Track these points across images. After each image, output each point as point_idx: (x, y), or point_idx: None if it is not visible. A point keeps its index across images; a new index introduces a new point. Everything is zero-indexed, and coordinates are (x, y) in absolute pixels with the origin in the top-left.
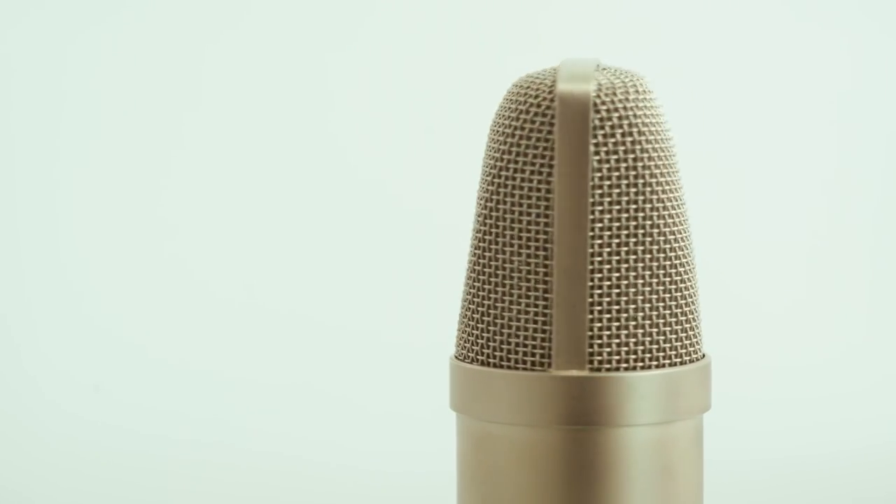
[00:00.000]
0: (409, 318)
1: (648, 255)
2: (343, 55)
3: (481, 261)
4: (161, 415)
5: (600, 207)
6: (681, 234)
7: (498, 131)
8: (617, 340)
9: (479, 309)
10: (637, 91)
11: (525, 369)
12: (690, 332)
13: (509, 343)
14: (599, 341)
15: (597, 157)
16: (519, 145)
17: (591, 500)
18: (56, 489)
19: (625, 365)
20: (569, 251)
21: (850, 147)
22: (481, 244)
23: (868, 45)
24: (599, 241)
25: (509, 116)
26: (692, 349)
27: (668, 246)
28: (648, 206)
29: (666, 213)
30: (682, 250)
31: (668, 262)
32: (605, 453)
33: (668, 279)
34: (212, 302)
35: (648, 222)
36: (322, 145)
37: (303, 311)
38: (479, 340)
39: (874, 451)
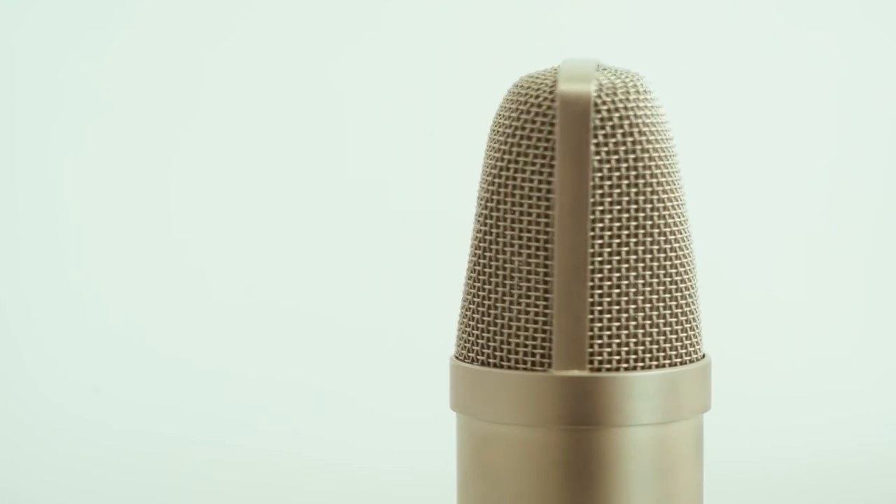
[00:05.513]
0: (411, 317)
1: (649, 255)
2: (345, 56)
3: (482, 261)
4: (162, 414)
5: (601, 207)
6: (681, 233)
7: (498, 132)
8: (617, 340)
9: (479, 309)
10: (637, 91)
11: (525, 369)
12: (690, 332)
13: (509, 343)
14: (600, 341)
15: (597, 158)
16: (520, 145)
17: (590, 501)
18: (56, 489)
19: (625, 365)
20: (569, 251)
21: (849, 146)
22: (482, 244)
23: (868, 47)
24: (600, 241)
25: (510, 117)
26: (692, 349)
27: (668, 246)
28: (649, 206)
29: (667, 213)
30: (683, 250)
31: (668, 262)
32: (605, 453)
33: (668, 279)
34: (213, 300)
35: (649, 222)
36: (324, 146)
37: (305, 309)
38: (479, 340)
39: (876, 450)
